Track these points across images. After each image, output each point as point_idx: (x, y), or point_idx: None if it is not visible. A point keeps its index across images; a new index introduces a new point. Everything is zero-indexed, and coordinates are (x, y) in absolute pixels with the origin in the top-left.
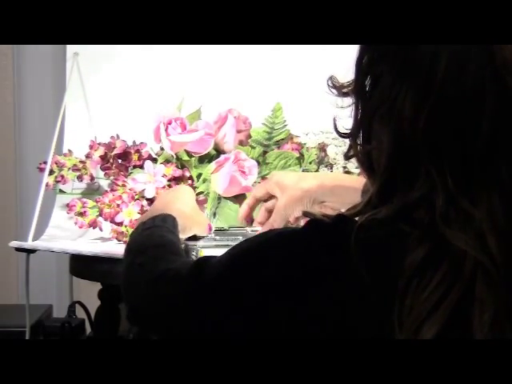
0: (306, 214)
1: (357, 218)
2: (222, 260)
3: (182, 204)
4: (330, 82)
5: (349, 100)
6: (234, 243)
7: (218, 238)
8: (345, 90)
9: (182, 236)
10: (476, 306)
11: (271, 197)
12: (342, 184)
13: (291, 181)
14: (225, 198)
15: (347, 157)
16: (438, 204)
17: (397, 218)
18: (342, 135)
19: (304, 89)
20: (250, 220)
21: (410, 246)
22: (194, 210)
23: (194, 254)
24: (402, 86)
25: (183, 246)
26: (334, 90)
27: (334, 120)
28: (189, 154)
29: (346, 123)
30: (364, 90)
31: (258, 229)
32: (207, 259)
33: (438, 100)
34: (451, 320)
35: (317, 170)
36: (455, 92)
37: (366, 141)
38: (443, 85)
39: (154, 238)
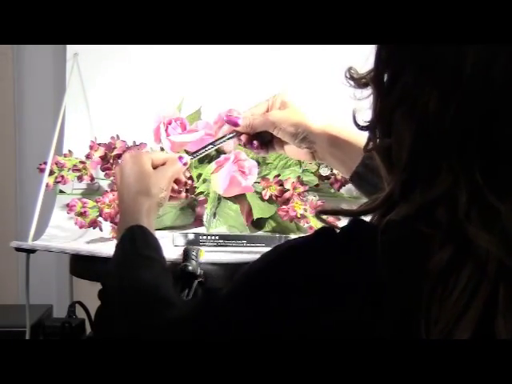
0: (320, 212)
1: (370, 217)
2: (234, 288)
3: (143, 205)
4: (347, 74)
5: (366, 92)
6: (235, 243)
7: (219, 239)
8: (364, 81)
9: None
10: (500, 309)
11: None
12: (341, 139)
13: (302, 104)
14: (225, 198)
15: (366, 150)
16: (462, 201)
17: (417, 218)
18: (361, 128)
19: (304, 89)
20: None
21: (432, 248)
22: (151, 201)
23: (194, 253)
24: (426, 84)
25: (183, 248)
26: (351, 82)
27: (354, 112)
28: (189, 154)
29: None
30: (383, 84)
31: (259, 233)
32: (213, 293)
33: (465, 98)
34: (480, 325)
35: (317, 170)
36: (483, 89)
37: (385, 134)
38: (470, 82)
39: (140, 287)
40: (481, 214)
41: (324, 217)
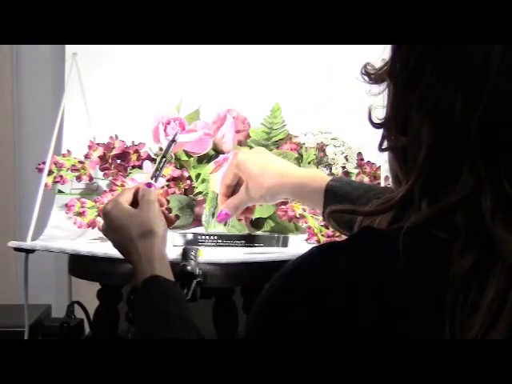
0: (332, 211)
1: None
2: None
3: (151, 248)
4: (363, 70)
5: (381, 88)
6: (234, 243)
7: (218, 239)
8: (379, 77)
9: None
10: None
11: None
12: (304, 188)
13: (255, 171)
14: None
15: (381, 149)
16: (486, 205)
17: (435, 223)
18: (376, 126)
19: (303, 89)
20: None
21: (451, 254)
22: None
23: (192, 253)
24: (450, 85)
25: (182, 248)
26: (366, 77)
27: (369, 109)
28: (188, 154)
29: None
30: (401, 81)
31: (258, 233)
32: None
33: (492, 100)
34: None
35: None
36: (510, 90)
37: (400, 132)
38: (497, 83)
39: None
40: (507, 217)
41: (317, 222)
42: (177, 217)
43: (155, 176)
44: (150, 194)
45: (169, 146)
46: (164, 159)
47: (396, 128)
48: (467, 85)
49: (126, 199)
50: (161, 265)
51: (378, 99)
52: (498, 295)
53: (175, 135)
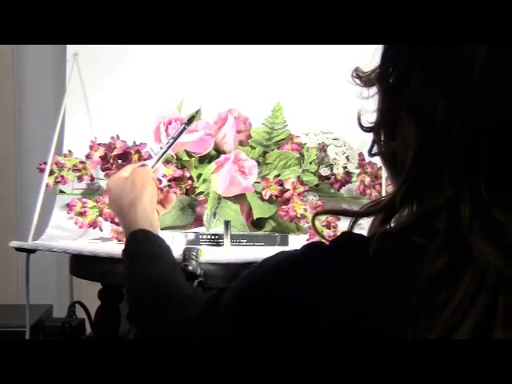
0: (320, 213)
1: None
2: (229, 299)
3: (136, 210)
4: (354, 74)
5: (372, 91)
6: (235, 242)
7: (219, 239)
8: (370, 80)
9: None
10: (499, 320)
11: None
12: None
13: None
14: (225, 198)
15: (371, 154)
16: (465, 213)
17: (414, 228)
18: (366, 130)
19: (304, 89)
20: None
21: (425, 259)
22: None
23: (194, 253)
24: (435, 88)
25: (183, 248)
26: (357, 80)
27: (359, 114)
28: (189, 154)
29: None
30: (389, 84)
31: (259, 233)
32: (214, 301)
33: (475, 104)
34: (475, 336)
35: (317, 170)
36: (493, 95)
37: (390, 137)
38: (480, 88)
39: (153, 282)
40: (484, 226)
41: (318, 222)
42: (175, 193)
43: (161, 156)
44: (142, 168)
45: (181, 131)
46: (170, 143)
47: (385, 133)
48: (450, 89)
49: (125, 172)
50: (145, 222)
51: (374, 102)
52: (465, 298)
53: (191, 118)
